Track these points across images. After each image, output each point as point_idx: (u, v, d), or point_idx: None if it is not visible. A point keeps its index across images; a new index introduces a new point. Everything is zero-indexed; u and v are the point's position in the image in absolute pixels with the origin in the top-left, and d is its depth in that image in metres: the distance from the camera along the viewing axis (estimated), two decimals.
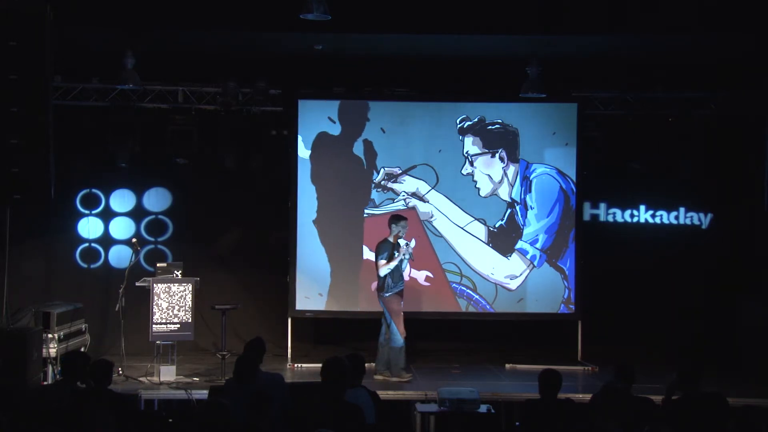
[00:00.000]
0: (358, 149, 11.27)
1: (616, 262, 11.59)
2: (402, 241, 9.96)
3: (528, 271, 11.33)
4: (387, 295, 9.94)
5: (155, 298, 9.84)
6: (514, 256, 11.35)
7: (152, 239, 11.75)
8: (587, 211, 11.69)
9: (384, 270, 9.90)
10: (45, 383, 9.32)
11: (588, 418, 6.23)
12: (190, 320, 9.94)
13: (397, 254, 9.90)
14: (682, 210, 11.76)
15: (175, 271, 10.15)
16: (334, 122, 11.26)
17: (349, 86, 11.45)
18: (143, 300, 10.11)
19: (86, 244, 11.68)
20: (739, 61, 10.80)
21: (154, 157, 11.32)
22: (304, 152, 11.24)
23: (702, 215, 11.75)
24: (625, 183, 11.65)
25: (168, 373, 9.77)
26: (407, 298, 11.10)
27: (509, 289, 11.35)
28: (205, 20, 9.55)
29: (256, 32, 9.99)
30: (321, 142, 11.26)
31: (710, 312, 11.58)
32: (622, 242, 11.68)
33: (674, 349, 11.07)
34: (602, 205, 11.80)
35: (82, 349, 10.22)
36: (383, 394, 7.91)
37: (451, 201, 11.32)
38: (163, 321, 9.85)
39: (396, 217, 10.15)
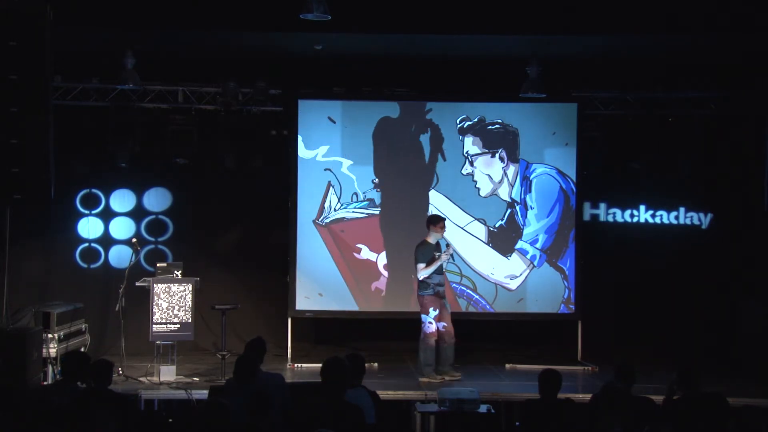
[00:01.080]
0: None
1: (616, 262, 11.60)
2: (442, 241, 9.99)
3: (528, 271, 11.33)
4: (425, 294, 9.91)
5: (155, 298, 9.84)
6: (514, 256, 11.35)
7: (152, 239, 11.75)
8: (587, 211, 11.68)
9: (423, 273, 9.84)
10: (45, 383, 9.32)
11: (588, 418, 6.23)
12: (190, 320, 9.94)
13: (437, 255, 9.85)
14: (682, 210, 11.75)
15: (175, 271, 10.15)
16: (334, 122, 11.27)
17: (349, 86, 11.45)
18: (143, 300, 10.11)
19: (86, 244, 11.68)
20: (739, 61, 10.80)
21: (154, 157, 11.31)
22: (304, 152, 11.24)
23: (702, 215, 11.73)
24: (625, 183, 11.65)
25: (168, 373, 9.77)
26: (408, 298, 11.12)
27: (509, 289, 11.35)
28: (205, 20, 9.55)
29: (256, 32, 9.99)
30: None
31: (710, 312, 11.58)
32: (622, 242, 11.67)
33: (674, 349, 11.07)
34: (602, 205, 11.78)
35: (82, 349, 10.22)
36: (383, 394, 7.91)
37: (451, 201, 11.32)
38: (163, 321, 9.85)
39: (434, 218, 10.12)
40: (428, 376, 9.87)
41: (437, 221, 10.03)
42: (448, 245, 10.00)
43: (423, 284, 9.90)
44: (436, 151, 11.30)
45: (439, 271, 9.97)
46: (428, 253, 9.89)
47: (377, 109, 11.36)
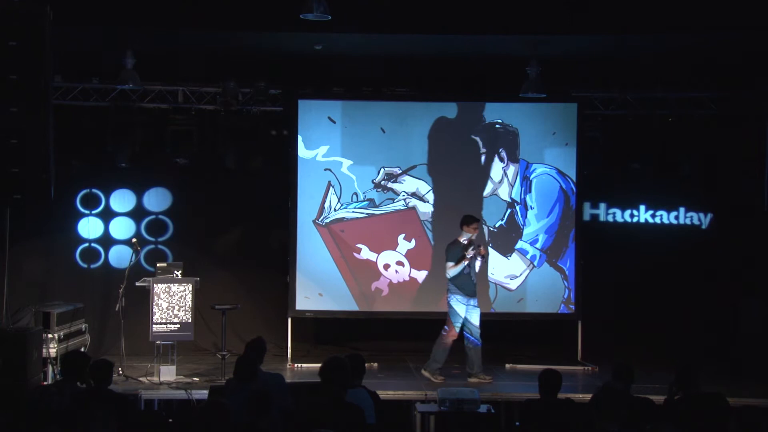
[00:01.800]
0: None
1: (616, 262, 11.59)
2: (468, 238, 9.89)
3: (528, 271, 11.33)
4: (450, 296, 9.90)
5: (155, 298, 9.84)
6: (514, 256, 11.35)
7: (152, 239, 11.75)
8: (587, 211, 11.69)
9: (451, 272, 9.81)
10: (45, 383, 9.31)
11: (588, 418, 6.23)
12: (190, 320, 9.94)
13: (466, 254, 9.78)
14: (682, 210, 11.76)
15: (175, 271, 10.15)
16: (334, 122, 11.26)
17: (349, 86, 11.45)
18: (143, 300, 10.11)
19: (86, 244, 11.68)
20: (739, 61, 10.80)
21: (154, 157, 11.33)
22: (304, 152, 11.24)
23: (702, 215, 11.74)
24: (625, 183, 11.65)
25: (168, 373, 9.77)
26: (407, 298, 11.14)
27: (509, 289, 11.35)
28: (205, 20, 9.55)
29: (256, 32, 9.99)
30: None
31: (710, 312, 11.57)
32: (622, 242, 11.67)
33: (674, 349, 11.06)
34: (602, 205, 11.79)
35: (82, 349, 10.22)
36: (383, 394, 7.92)
37: None
38: (163, 321, 9.85)
39: (468, 218, 10.04)
40: (430, 372, 9.86)
41: (471, 222, 9.95)
42: (479, 245, 9.91)
43: (452, 285, 9.88)
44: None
45: (468, 273, 9.87)
46: (458, 252, 9.85)
47: (377, 109, 11.35)
